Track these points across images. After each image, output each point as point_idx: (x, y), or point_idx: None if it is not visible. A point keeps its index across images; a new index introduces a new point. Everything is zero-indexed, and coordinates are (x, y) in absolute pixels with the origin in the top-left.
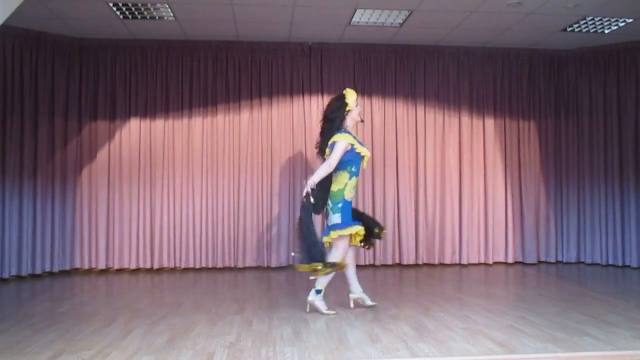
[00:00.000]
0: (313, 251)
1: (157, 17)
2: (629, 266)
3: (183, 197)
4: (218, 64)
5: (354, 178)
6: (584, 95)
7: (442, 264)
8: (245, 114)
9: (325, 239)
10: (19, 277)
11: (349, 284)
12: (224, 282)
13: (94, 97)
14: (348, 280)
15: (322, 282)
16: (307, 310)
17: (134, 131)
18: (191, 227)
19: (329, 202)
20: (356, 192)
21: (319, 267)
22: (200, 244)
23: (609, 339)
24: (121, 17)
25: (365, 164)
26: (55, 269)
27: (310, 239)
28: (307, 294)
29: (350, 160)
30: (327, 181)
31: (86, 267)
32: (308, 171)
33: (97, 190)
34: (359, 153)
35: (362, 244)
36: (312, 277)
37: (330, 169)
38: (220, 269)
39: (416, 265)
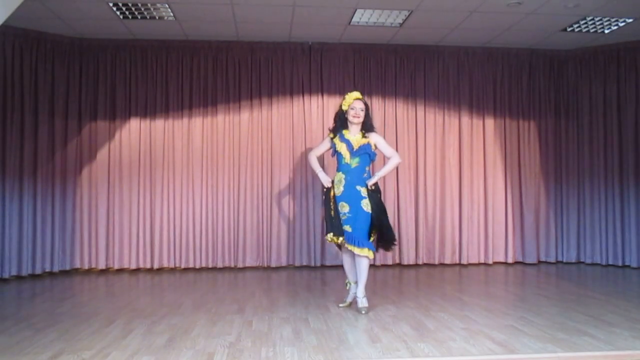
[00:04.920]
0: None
1: (157, 17)
2: (629, 266)
3: (183, 197)
4: (218, 64)
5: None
6: (584, 95)
7: (442, 264)
8: (245, 114)
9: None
10: (19, 277)
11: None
12: (224, 282)
13: (94, 97)
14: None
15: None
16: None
17: (134, 131)
18: (191, 227)
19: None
20: None
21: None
22: (200, 244)
23: (609, 339)
24: (121, 17)
25: (346, 159)
26: (55, 269)
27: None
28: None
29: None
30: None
31: (86, 267)
32: (308, 171)
33: (97, 190)
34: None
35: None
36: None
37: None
38: (220, 269)
39: (416, 265)
